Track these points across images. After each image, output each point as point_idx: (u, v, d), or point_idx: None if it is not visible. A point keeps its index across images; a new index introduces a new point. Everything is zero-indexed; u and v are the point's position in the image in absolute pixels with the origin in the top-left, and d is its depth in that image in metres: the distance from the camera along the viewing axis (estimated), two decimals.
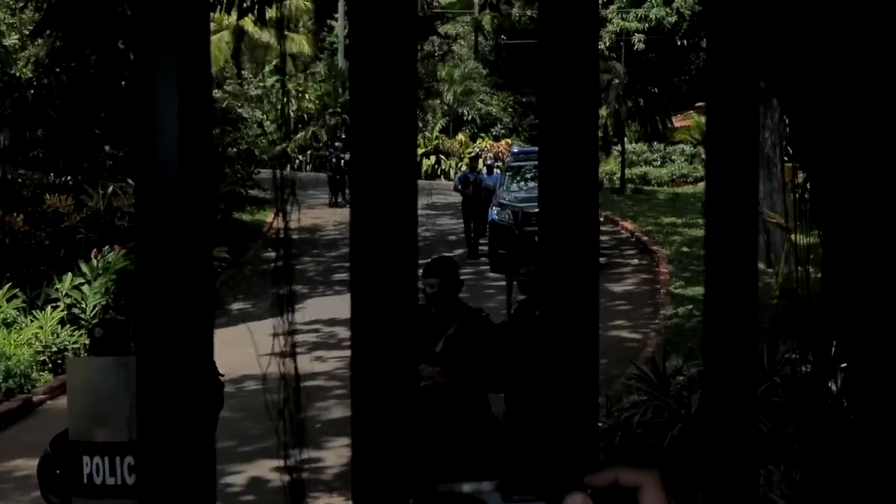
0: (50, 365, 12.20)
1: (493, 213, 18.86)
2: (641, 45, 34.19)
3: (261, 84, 35.83)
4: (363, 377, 1.45)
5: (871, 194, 4.63)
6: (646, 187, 29.81)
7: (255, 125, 30.52)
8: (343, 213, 23.99)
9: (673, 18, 34.04)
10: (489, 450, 5.66)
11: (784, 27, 4.44)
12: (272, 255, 14.15)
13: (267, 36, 35.06)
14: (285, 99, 31.03)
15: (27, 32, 19.11)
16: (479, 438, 5.67)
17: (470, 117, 36.59)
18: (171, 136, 1.38)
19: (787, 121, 18.40)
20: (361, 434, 1.45)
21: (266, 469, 8.96)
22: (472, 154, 26.11)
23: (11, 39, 18.69)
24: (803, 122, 4.97)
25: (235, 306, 16.16)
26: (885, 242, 4.55)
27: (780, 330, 5.57)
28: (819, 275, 5.94)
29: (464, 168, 23.77)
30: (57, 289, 13.16)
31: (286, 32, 36.71)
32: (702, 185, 18.91)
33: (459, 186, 20.48)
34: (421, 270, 5.70)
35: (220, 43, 34.43)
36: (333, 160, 27.05)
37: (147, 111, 1.37)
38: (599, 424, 7.84)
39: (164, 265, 1.37)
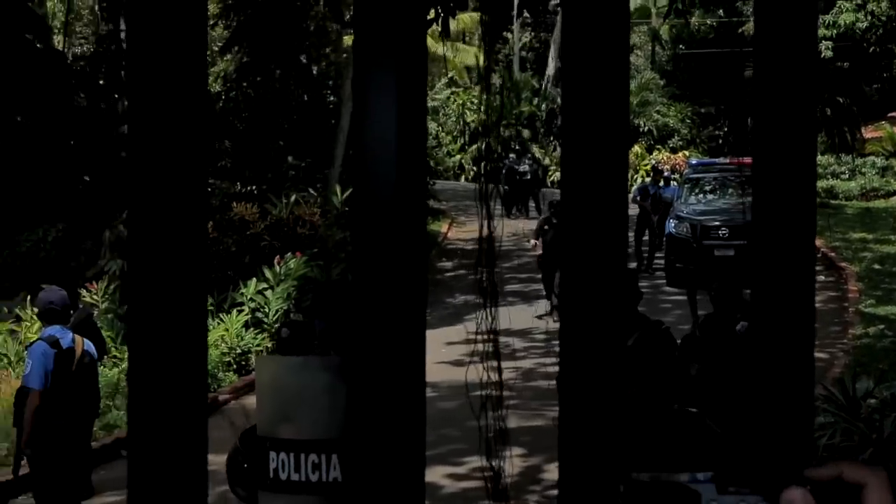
0: (235, 366, 12.65)
1: (671, 225, 18.48)
2: (829, 53, 32.93)
3: (437, 96, 36.33)
4: (573, 370, 1.41)
5: None
6: (833, 201, 28.64)
7: (432, 137, 30.95)
8: (516, 225, 24.02)
9: (864, 24, 32.65)
10: (693, 443, 5.49)
11: None
12: (447, 265, 14.44)
13: (442, 49, 35.50)
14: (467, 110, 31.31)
15: (217, 49, 19.94)
16: (681, 432, 5.51)
17: (646, 129, 36.07)
18: (390, 148, 1.39)
19: None
20: (569, 422, 1.41)
21: (439, 475, 9.03)
22: (653, 166, 25.43)
23: None
24: None
25: None
26: None
27: None
28: None
29: (644, 180, 23.08)
30: (242, 293, 13.65)
31: (459, 45, 37.12)
32: (894, 199, 18.24)
33: (638, 198, 19.82)
34: None
35: None
36: (506, 172, 27.12)
37: (366, 124, 1.39)
38: None
39: (378, 271, 1.38)
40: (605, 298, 1.52)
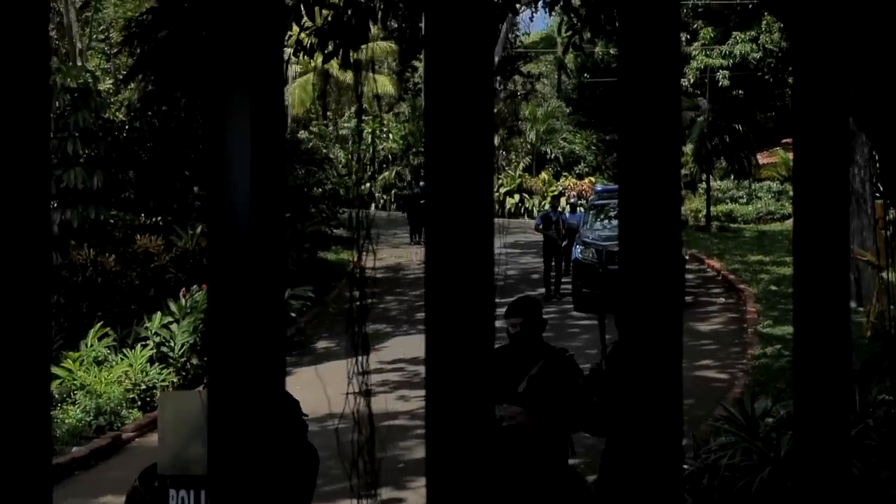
0: (139, 403, 12.42)
1: (577, 251, 18.76)
2: (726, 82, 33.85)
3: (346, 125, 36.34)
4: (439, 416, 1.44)
5: None
6: (732, 225, 29.39)
7: (341, 165, 30.91)
8: (423, 252, 24.04)
9: (758, 54, 33.64)
10: (561, 498, 5.59)
11: (873, 64, 4.36)
12: (356, 293, 14.11)
13: (352, 78, 35.59)
14: (370, 139, 31.38)
15: (121, 77, 19.67)
16: (551, 485, 5.60)
17: (553, 156, 36.58)
18: (244, 180, 1.40)
19: (877, 156, 17.99)
20: (437, 472, 1.43)
21: None
22: (555, 193, 25.60)
23: (106, 84, 19.27)
24: (894, 158, 4.86)
25: (320, 345, 16.30)
26: None
27: (873, 371, 5.41)
28: None
29: (546, 207, 23.16)
30: (146, 327, 13.42)
31: (370, 73, 37.23)
32: (789, 222, 18.76)
33: (541, 226, 20.07)
34: (504, 310, 5.68)
35: (307, 85, 35.07)
36: (412, 199, 27.28)
37: (220, 154, 1.39)
38: (686, 467, 7.68)
39: (236, 305, 1.38)
40: (471, 335, 1.54)
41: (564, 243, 19.80)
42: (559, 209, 20.87)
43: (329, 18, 6.88)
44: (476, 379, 1.45)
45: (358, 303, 2.36)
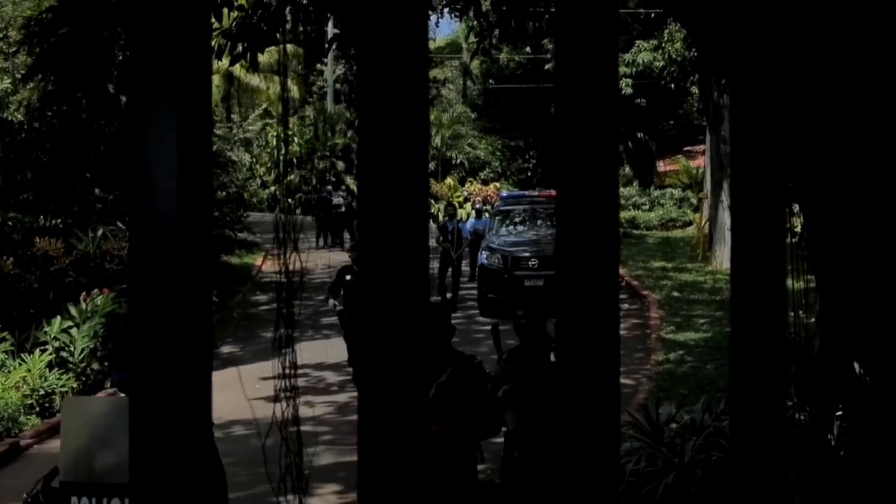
0: (37, 409, 12.09)
1: (483, 257, 18.86)
2: (629, 90, 34.43)
3: (250, 128, 35.92)
4: (370, 424, 1.43)
5: (867, 244, 4.65)
6: (635, 231, 29.90)
7: (245, 168, 30.55)
8: (331, 257, 23.95)
9: (661, 63, 34.30)
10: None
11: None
12: (261, 298, 14.13)
13: (256, 80, 35.23)
14: (277, 143, 31.09)
15: (19, 76, 19.14)
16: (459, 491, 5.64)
17: (458, 161, 36.71)
18: (170, 184, 1.35)
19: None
20: (368, 480, 1.42)
21: None
22: (449, 202, 24.55)
23: (3, 83, 18.72)
24: (804, 169, 5.00)
25: (225, 350, 16.08)
26: (883, 290, 4.56)
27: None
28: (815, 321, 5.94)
29: (442, 218, 21.92)
30: (45, 332, 13.08)
31: (274, 76, 36.86)
32: (690, 229, 19.10)
33: (441, 238, 19.29)
34: None
35: (210, 87, 34.55)
36: (321, 202, 27.09)
37: (144, 158, 1.35)
38: None
39: (161, 312, 1.34)
40: (406, 335, 1.53)
41: (461, 251, 19.50)
42: (456, 219, 20.50)
43: (236, 21, 6.82)
44: (408, 384, 1.45)
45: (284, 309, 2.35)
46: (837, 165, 4.72)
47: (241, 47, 6.59)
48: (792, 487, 5.23)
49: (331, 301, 13.87)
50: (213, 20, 6.46)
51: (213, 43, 6.98)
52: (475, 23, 9.70)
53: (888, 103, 4.40)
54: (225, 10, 6.54)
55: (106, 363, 12.80)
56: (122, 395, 5.32)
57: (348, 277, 13.09)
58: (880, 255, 4.57)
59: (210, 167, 1.38)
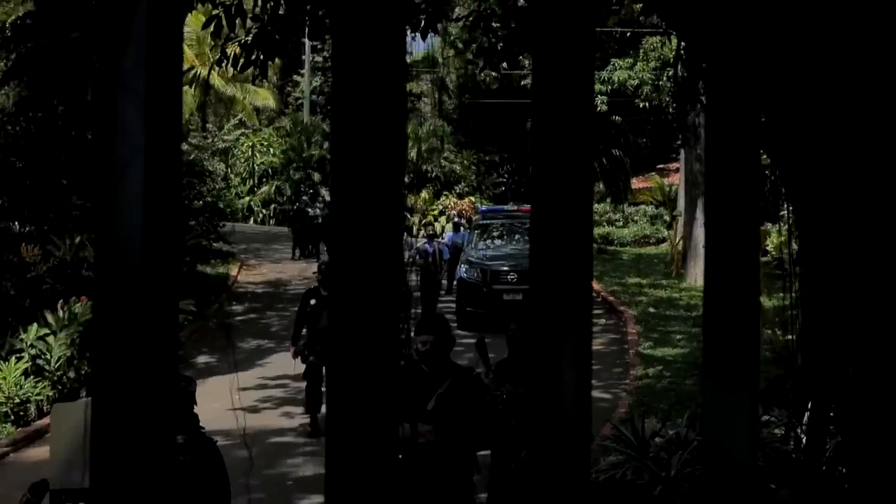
0: (13, 417, 11.95)
1: (462, 271, 18.87)
2: (604, 107, 34.64)
3: (226, 137, 35.81)
4: (339, 436, 1.42)
5: (855, 261, 4.69)
6: (609, 247, 30.05)
7: (220, 178, 30.43)
8: (306, 268, 23.89)
9: (635, 82, 34.56)
10: None
11: (785, 97, 4.53)
12: (237, 308, 14.00)
13: (232, 90, 35.13)
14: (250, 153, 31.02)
15: None
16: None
17: (434, 174, 36.76)
18: (137, 186, 1.35)
19: (778, 177, 18.62)
20: (336, 489, 1.42)
21: None
22: (427, 222, 23.41)
23: None
24: (795, 186, 5.05)
25: (201, 360, 15.98)
26: (870, 309, 4.60)
27: (776, 393, 5.62)
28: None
29: (422, 239, 20.49)
30: (22, 339, 12.93)
31: (249, 86, 36.78)
32: (664, 246, 19.23)
33: (418, 257, 18.51)
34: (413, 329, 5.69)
35: (186, 96, 34.43)
36: (298, 214, 27.03)
37: (111, 161, 1.34)
38: None
39: (127, 319, 1.34)
40: (375, 350, 1.50)
41: (441, 274, 19.06)
42: (437, 240, 19.94)
43: (252, 31, 6.87)
44: (379, 395, 1.43)
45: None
46: (825, 175, 4.77)
47: (255, 55, 6.62)
48: (786, 501, 5.28)
49: (292, 349, 11.97)
50: (227, 30, 6.51)
51: (229, 51, 7.01)
52: (450, 37, 9.76)
53: (864, 117, 4.46)
54: (238, 20, 6.58)
55: (86, 370, 12.68)
56: None
57: (313, 302, 11.57)
58: (865, 264, 4.61)
59: (179, 172, 1.36)
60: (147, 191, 1.41)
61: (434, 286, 19.00)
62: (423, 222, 23.21)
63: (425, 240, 19.94)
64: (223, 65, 7.41)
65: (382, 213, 1.44)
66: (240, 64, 6.90)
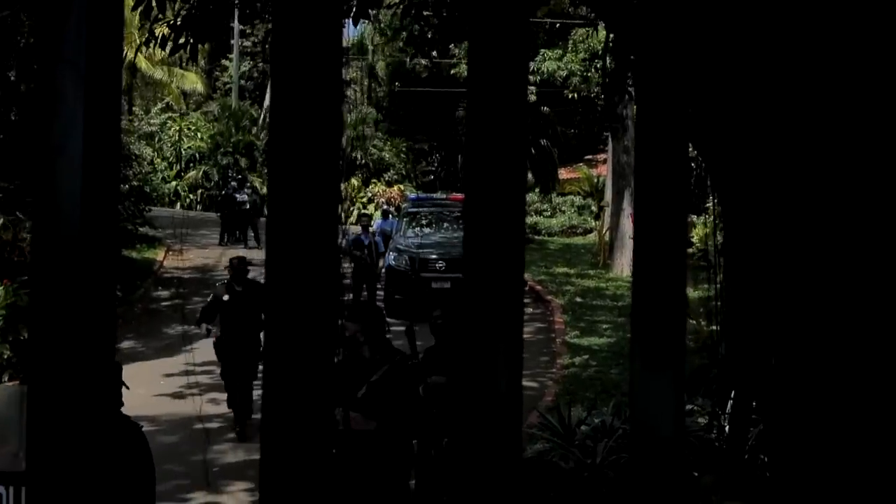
0: None
1: (391, 258, 18.85)
2: (533, 98, 34.87)
3: (152, 121, 35.28)
4: (275, 418, 1.44)
5: (778, 252, 4.83)
6: (537, 237, 30.28)
7: (147, 163, 29.98)
8: (234, 254, 23.62)
9: (564, 73, 34.83)
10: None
11: (712, 86, 4.64)
12: (163, 294, 13.81)
13: (160, 73, 34.62)
14: (178, 137, 30.59)
15: None
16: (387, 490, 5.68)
17: (363, 162, 36.65)
18: (76, 171, 1.34)
19: (703, 168, 18.81)
20: (270, 478, 1.44)
21: None
22: (362, 214, 22.51)
23: None
24: (728, 187, 5.18)
25: (126, 345, 15.77)
26: (791, 287, 4.74)
27: (699, 381, 5.76)
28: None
29: (356, 230, 19.56)
30: None
31: (177, 69, 36.26)
32: (591, 236, 19.49)
33: (353, 249, 17.89)
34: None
35: None
36: (226, 200, 26.78)
37: (49, 150, 1.33)
38: None
39: (63, 305, 1.33)
40: (310, 336, 1.51)
41: (380, 267, 18.59)
42: (371, 231, 19.39)
43: (182, 13, 6.80)
44: (313, 381, 1.45)
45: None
46: (750, 167, 4.90)
47: (184, 38, 6.56)
48: (709, 488, 5.42)
49: (204, 326, 11.53)
50: (157, 12, 6.46)
51: (157, 32, 6.95)
52: (381, 24, 9.76)
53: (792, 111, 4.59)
54: (168, 2, 6.52)
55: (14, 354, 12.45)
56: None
57: (226, 298, 11.18)
58: (788, 255, 4.75)
59: (117, 159, 1.37)
60: (86, 166, 1.40)
61: (371, 278, 18.51)
62: (359, 213, 22.69)
63: (360, 232, 19.04)
64: (151, 46, 7.36)
65: (319, 200, 1.45)
66: (168, 46, 6.84)
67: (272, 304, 1.51)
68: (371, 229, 19.77)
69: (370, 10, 7.58)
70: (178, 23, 6.63)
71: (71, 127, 1.34)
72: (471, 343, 1.62)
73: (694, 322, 12.15)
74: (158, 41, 7.05)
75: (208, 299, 12.02)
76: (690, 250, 17.04)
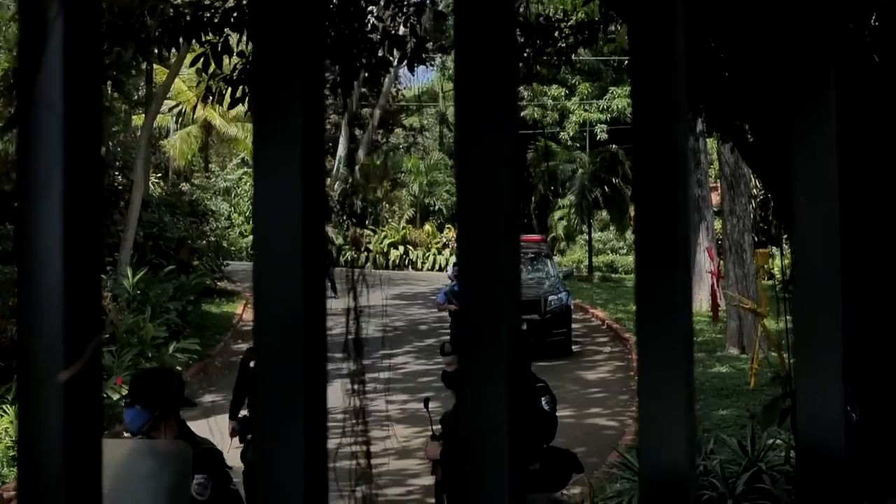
0: None
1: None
2: (604, 135, 34.80)
3: (228, 176, 35.99)
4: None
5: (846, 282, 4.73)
6: (613, 275, 30.05)
7: (224, 217, 30.55)
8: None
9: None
10: None
11: (763, 98, 4.58)
12: (242, 346, 13.97)
13: (234, 130, 35.34)
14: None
15: None
16: None
17: (437, 208, 36.88)
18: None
19: (753, 206, 18.62)
20: None
21: None
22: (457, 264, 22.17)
23: None
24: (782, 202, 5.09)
25: (207, 399, 15.98)
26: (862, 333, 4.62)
27: (772, 415, 5.62)
28: None
29: (449, 281, 19.04)
30: None
31: (251, 125, 36.99)
32: None
33: (445, 302, 16.47)
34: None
35: (189, 137, 34.65)
36: None
37: (27, 179, 1.35)
38: None
39: (51, 343, 1.35)
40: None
41: None
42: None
43: (238, 67, 6.94)
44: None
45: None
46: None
47: (241, 92, 6.69)
48: None
49: (230, 425, 8.82)
50: (213, 66, 6.61)
51: (213, 88, 7.10)
52: (449, 70, 9.85)
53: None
54: (225, 57, 6.65)
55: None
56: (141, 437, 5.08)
57: (252, 364, 8.80)
58: (855, 284, 4.64)
59: (102, 189, 1.36)
60: (67, 209, 1.40)
61: None
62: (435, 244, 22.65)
63: (453, 282, 17.26)
64: (209, 101, 7.51)
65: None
66: (225, 101, 6.97)
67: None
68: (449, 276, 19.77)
69: (424, 55, 7.63)
70: (234, 77, 6.76)
71: (52, 169, 1.34)
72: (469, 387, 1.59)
73: (775, 354, 11.90)
74: (216, 96, 7.20)
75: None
76: (770, 282, 16.74)
